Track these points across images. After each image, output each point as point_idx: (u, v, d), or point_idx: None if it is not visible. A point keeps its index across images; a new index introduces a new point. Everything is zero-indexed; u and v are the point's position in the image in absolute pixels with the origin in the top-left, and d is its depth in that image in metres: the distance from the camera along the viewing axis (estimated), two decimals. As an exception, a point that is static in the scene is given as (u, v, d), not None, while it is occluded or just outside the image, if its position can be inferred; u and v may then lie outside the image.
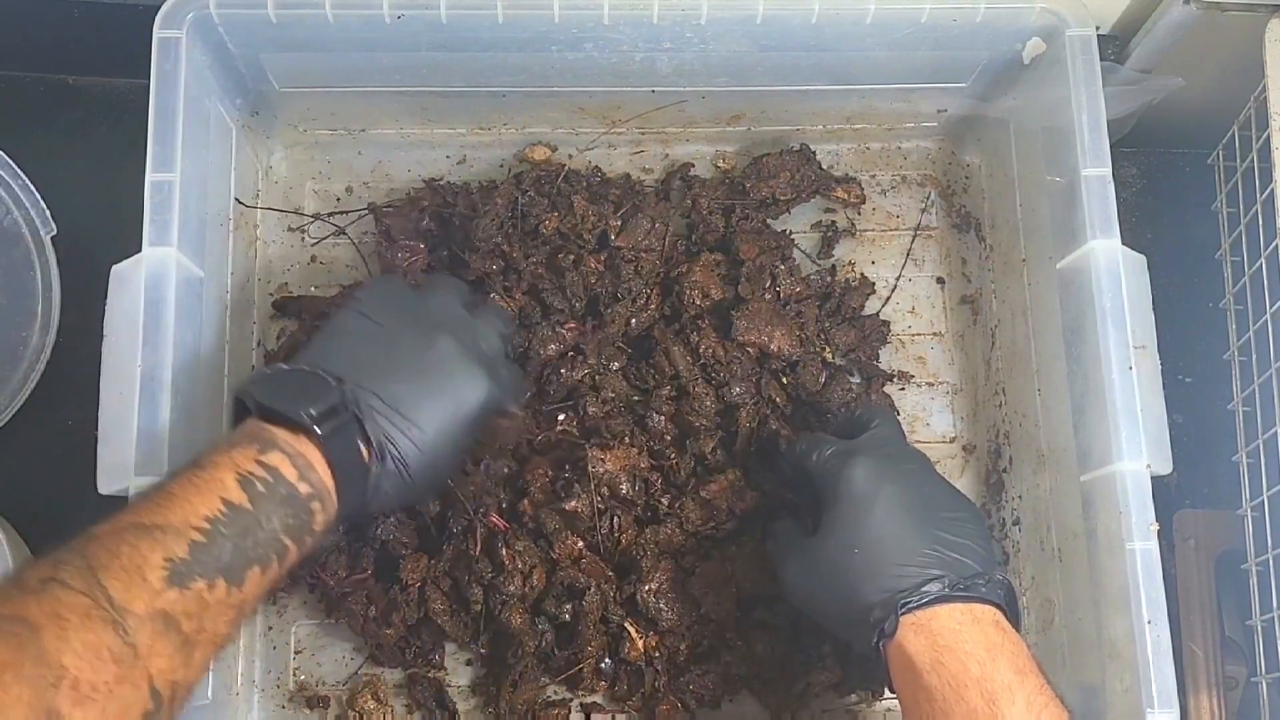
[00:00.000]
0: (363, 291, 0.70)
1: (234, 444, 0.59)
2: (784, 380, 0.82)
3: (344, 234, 0.88)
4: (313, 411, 0.60)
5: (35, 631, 0.47)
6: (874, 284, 0.88)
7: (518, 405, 0.71)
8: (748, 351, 0.82)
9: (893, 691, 0.66)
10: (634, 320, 0.83)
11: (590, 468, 0.78)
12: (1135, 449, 0.68)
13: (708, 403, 0.81)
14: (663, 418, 0.80)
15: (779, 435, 0.80)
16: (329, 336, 0.67)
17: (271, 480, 0.58)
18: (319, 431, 0.60)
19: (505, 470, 0.80)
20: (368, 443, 0.62)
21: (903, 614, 0.63)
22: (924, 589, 0.63)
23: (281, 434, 0.60)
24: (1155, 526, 0.67)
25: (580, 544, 0.79)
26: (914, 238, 0.90)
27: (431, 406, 0.64)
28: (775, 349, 0.81)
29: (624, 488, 0.79)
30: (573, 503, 0.77)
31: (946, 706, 0.61)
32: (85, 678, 0.47)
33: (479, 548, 0.77)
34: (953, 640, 0.62)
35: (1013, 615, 0.65)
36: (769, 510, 0.80)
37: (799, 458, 0.73)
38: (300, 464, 0.59)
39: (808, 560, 0.68)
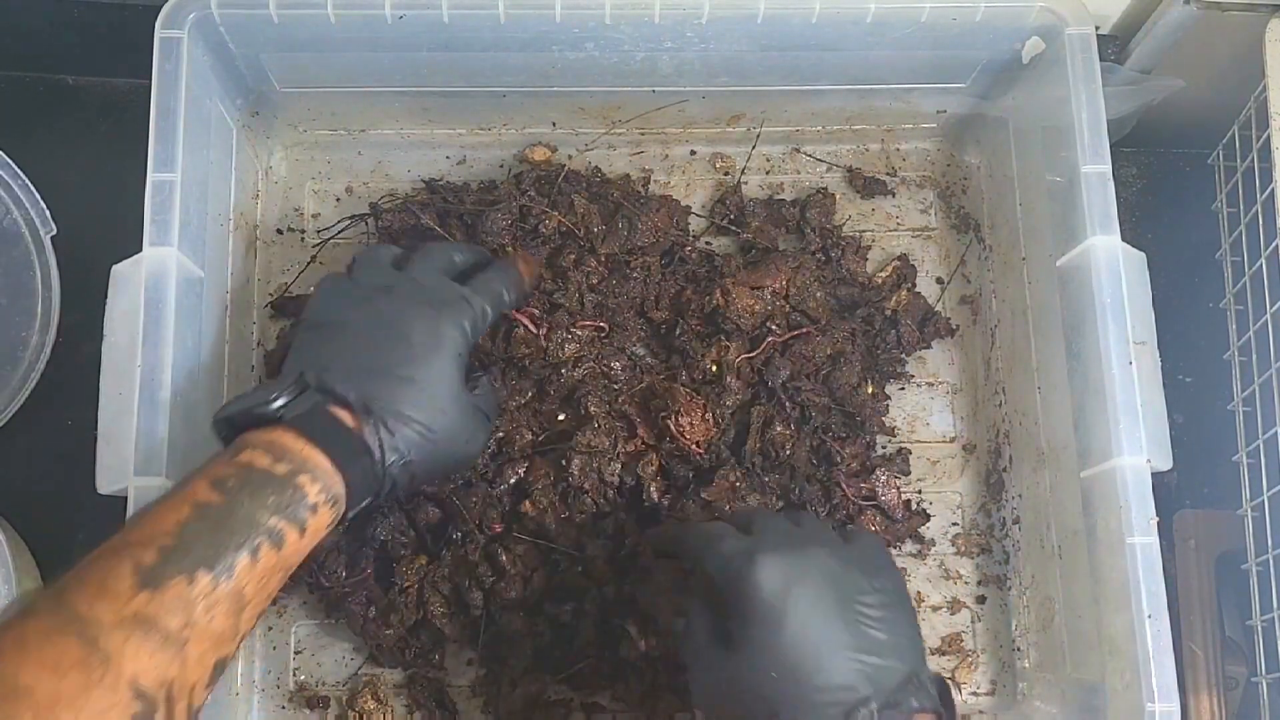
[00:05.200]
0: (308, 305, 0.71)
1: (210, 460, 0.59)
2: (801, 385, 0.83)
3: (343, 235, 0.89)
4: (272, 398, 0.61)
5: None
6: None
7: (496, 308, 0.71)
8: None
9: None
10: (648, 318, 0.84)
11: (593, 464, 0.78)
12: (1135, 444, 0.68)
13: (728, 401, 0.81)
14: (674, 415, 0.81)
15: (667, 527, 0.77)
16: (289, 355, 0.67)
17: (243, 474, 0.58)
18: (282, 416, 0.61)
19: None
20: (347, 406, 0.62)
21: None
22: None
23: (252, 435, 0.60)
24: (1155, 520, 0.67)
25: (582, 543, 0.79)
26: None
27: (398, 355, 0.64)
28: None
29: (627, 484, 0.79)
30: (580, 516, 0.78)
31: None
32: (45, 689, 0.48)
33: (480, 553, 0.78)
34: None
35: (949, 711, 0.59)
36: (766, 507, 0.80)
37: (695, 555, 0.63)
38: (274, 449, 0.59)
39: (721, 680, 0.60)
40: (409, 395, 0.64)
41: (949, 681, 0.62)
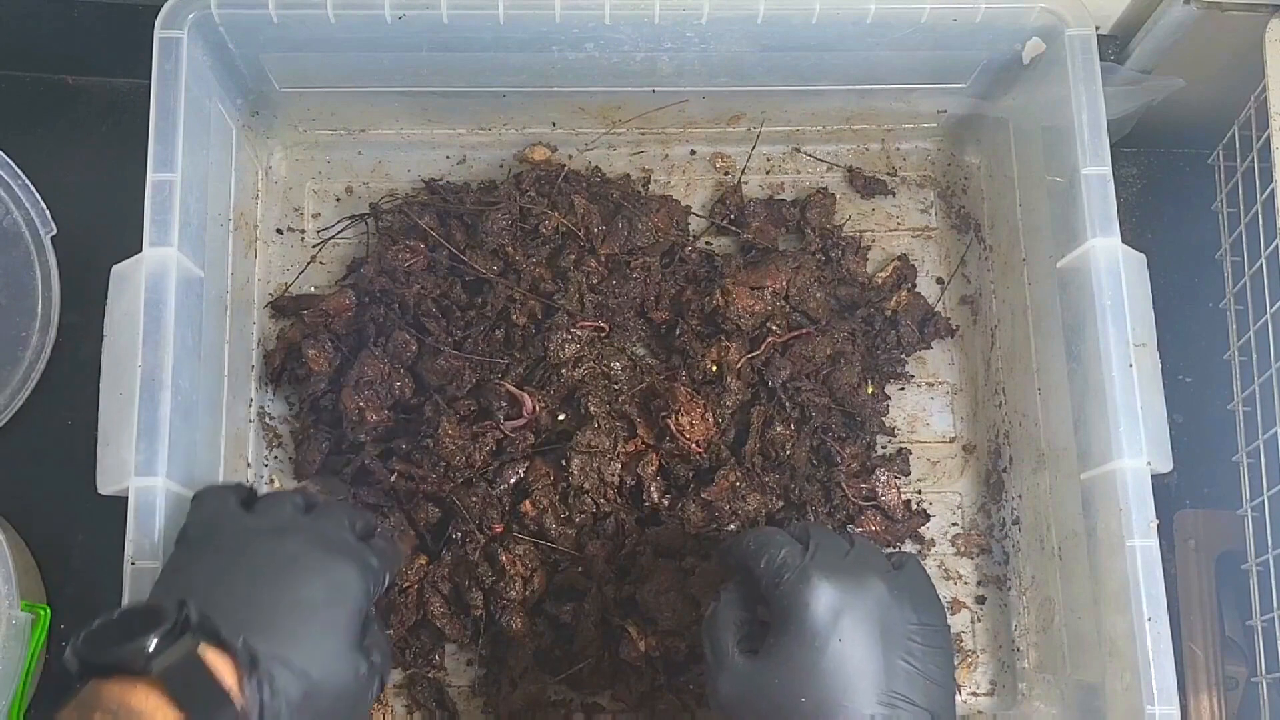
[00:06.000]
0: (188, 517, 0.64)
1: None
2: (800, 386, 0.82)
3: (343, 235, 0.89)
4: (146, 644, 0.52)
5: None
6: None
7: (389, 577, 0.65)
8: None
9: None
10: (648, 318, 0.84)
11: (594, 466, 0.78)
12: (1135, 446, 0.68)
13: (728, 401, 0.81)
14: (674, 415, 0.81)
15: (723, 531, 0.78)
16: (166, 572, 0.61)
17: None
18: (151, 668, 0.52)
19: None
20: (229, 653, 0.54)
21: None
22: None
23: (108, 689, 0.52)
24: (1155, 523, 0.67)
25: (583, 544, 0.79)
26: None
27: (298, 601, 0.58)
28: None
29: (627, 484, 0.79)
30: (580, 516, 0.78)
31: None
32: None
33: (480, 553, 0.78)
34: None
35: None
36: (769, 516, 0.80)
37: (745, 557, 0.63)
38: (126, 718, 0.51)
39: (747, 686, 0.60)
40: (302, 647, 0.57)
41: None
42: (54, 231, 0.83)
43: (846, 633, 0.59)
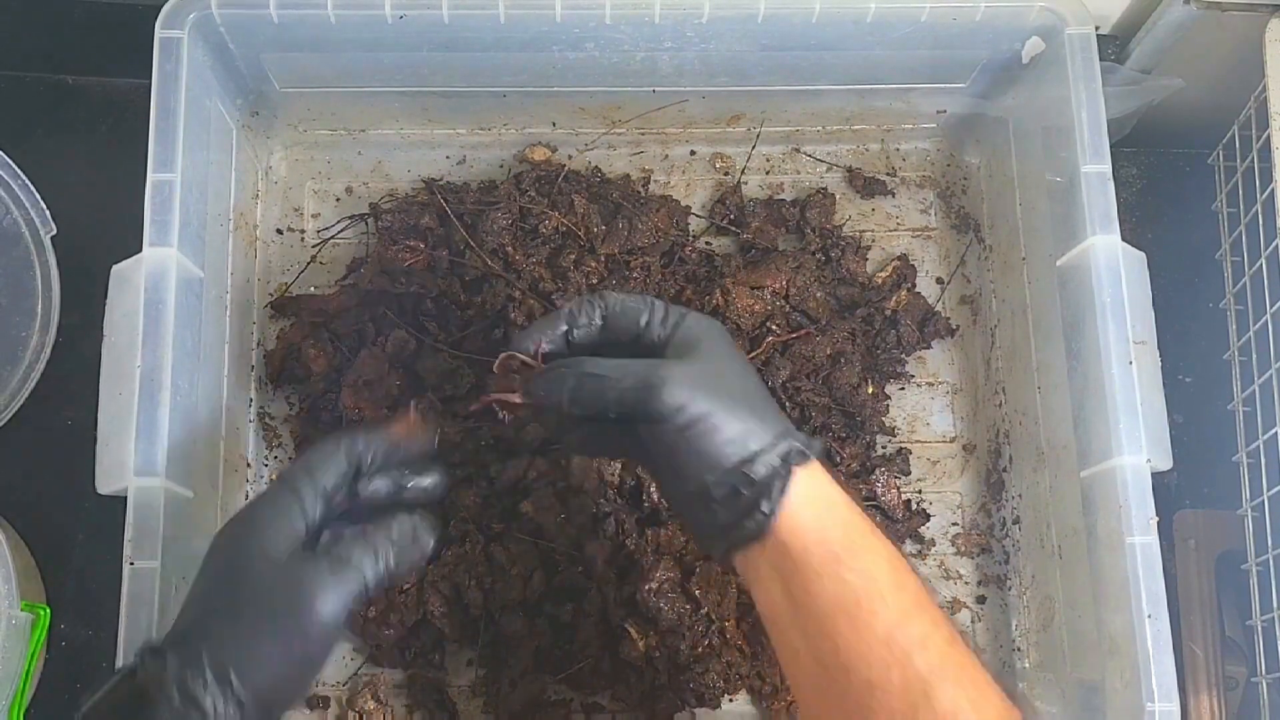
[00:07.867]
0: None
1: None
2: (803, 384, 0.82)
3: (343, 235, 0.89)
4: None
5: None
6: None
7: (369, 577, 0.57)
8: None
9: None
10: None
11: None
12: (1135, 443, 0.68)
13: None
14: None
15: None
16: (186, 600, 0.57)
17: None
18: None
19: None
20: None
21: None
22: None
23: None
24: (1155, 519, 0.67)
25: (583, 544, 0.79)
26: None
27: (260, 617, 0.54)
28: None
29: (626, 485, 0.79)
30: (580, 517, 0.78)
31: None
32: None
33: (480, 553, 0.78)
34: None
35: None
36: None
37: (621, 318, 0.61)
38: None
39: (695, 379, 0.57)
40: (257, 659, 0.53)
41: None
42: (54, 231, 0.83)
43: (716, 394, 0.57)
